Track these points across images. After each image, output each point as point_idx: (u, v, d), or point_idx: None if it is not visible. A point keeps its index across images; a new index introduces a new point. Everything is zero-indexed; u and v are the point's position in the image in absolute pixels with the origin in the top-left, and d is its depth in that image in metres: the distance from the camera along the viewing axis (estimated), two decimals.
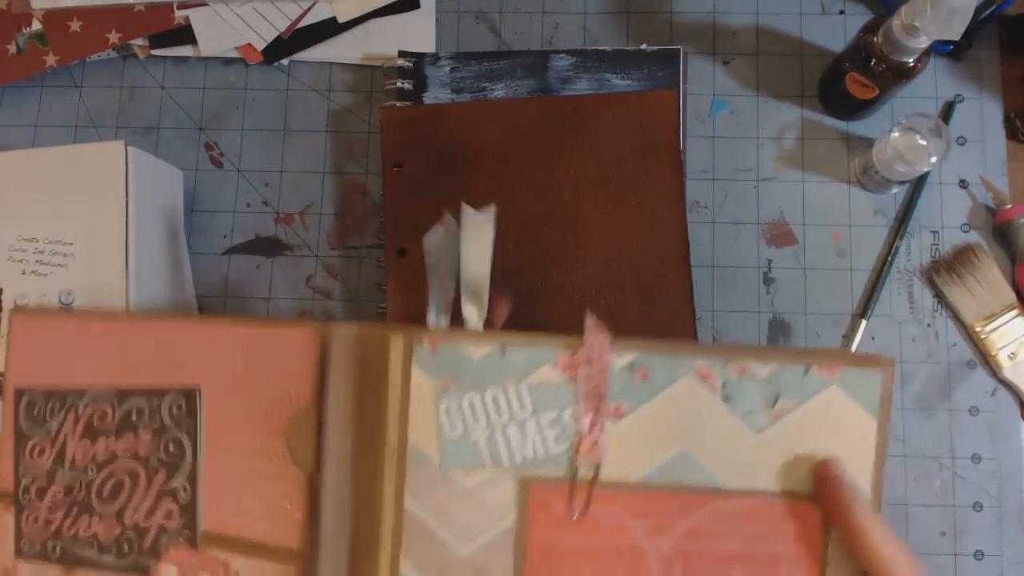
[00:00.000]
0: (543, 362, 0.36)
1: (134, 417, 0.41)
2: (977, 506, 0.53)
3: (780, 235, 0.57)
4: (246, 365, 0.39)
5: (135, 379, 0.42)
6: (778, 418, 0.36)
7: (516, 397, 0.36)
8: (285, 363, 0.39)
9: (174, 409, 0.40)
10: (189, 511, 0.40)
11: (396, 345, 0.36)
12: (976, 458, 0.54)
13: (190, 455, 0.40)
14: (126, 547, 0.41)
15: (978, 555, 0.53)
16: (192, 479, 0.40)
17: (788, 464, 0.36)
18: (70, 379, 0.43)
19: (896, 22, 0.48)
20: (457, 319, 0.39)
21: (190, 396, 0.40)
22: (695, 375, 0.36)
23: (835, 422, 0.36)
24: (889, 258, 0.56)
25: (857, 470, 0.36)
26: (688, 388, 0.36)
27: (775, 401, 0.36)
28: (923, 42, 0.47)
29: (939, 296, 0.56)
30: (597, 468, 0.36)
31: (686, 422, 0.36)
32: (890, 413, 0.36)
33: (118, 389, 0.42)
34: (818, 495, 0.35)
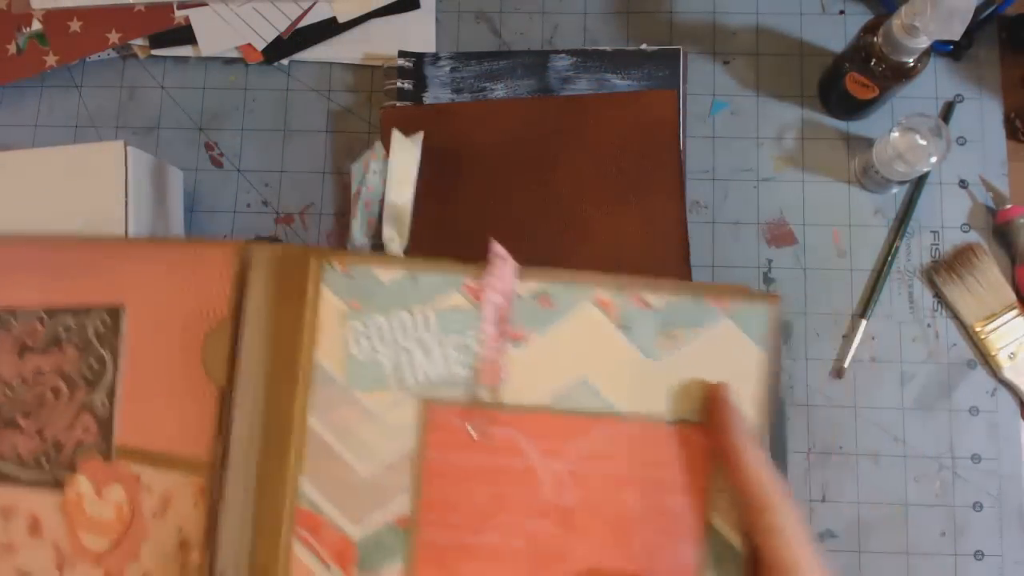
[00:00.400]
0: (451, 287, 0.37)
1: (62, 334, 0.42)
2: (977, 506, 0.53)
3: (780, 235, 0.57)
4: (168, 283, 0.40)
5: (64, 298, 0.42)
6: (672, 347, 0.37)
7: (423, 320, 0.37)
8: (205, 281, 0.39)
9: (100, 326, 0.41)
10: (105, 425, 0.40)
11: (311, 267, 0.37)
12: (976, 458, 0.54)
13: (111, 370, 0.41)
14: (44, 461, 0.42)
15: (978, 555, 0.53)
16: (111, 394, 0.41)
17: (680, 392, 0.37)
18: (3, 300, 0.44)
19: (896, 22, 0.48)
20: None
21: (114, 313, 0.41)
22: (595, 303, 0.37)
23: (726, 353, 0.37)
24: (889, 258, 0.56)
25: (745, 400, 0.37)
26: (588, 316, 0.37)
27: (670, 330, 0.37)
28: (923, 42, 0.47)
29: (939, 296, 0.56)
30: (497, 391, 0.37)
31: (585, 349, 0.37)
32: (780, 349, 0.38)
33: (47, 307, 0.42)
34: (704, 416, 0.37)
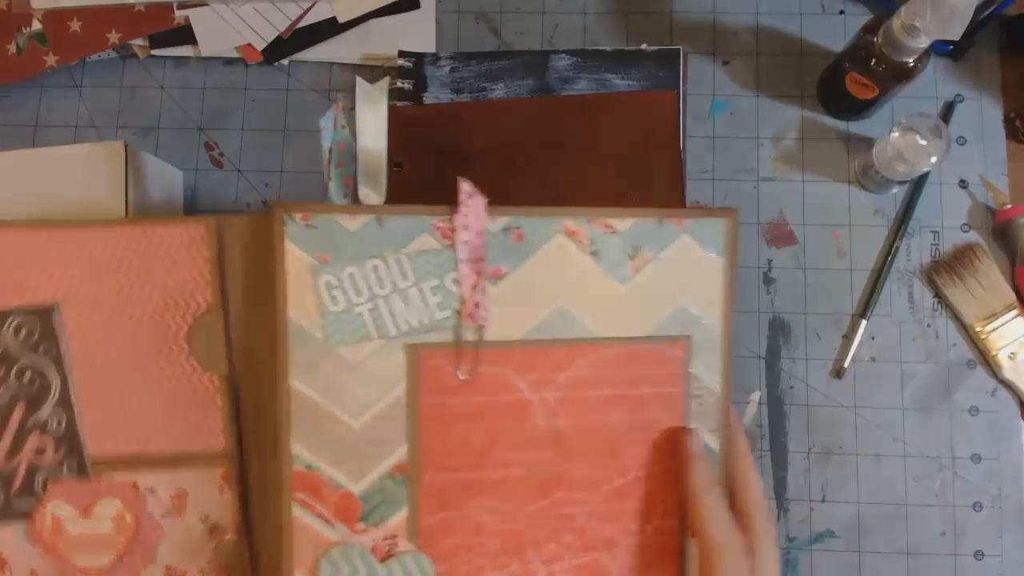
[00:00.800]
0: (421, 230, 0.37)
1: None
2: (977, 506, 0.53)
3: (780, 235, 0.57)
4: (121, 271, 0.37)
5: None
6: (639, 268, 0.39)
7: (397, 266, 0.37)
8: (175, 265, 0.36)
9: (21, 333, 0.36)
10: (69, 440, 0.37)
11: (275, 220, 0.35)
12: (976, 458, 0.54)
13: (56, 381, 0.36)
14: None
15: (978, 555, 0.53)
16: (65, 406, 0.37)
17: (651, 310, 0.39)
18: None
19: (896, 22, 0.48)
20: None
21: (44, 315, 0.36)
22: (565, 234, 0.38)
23: (688, 268, 0.39)
24: (889, 258, 0.56)
25: (708, 310, 0.39)
26: (560, 246, 0.38)
27: (636, 253, 0.39)
28: (923, 42, 0.47)
29: (939, 296, 0.56)
30: (481, 330, 0.37)
31: (560, 279, 0.38)
32: (736, 260, 0.39)
33: None
34: (674, 461, 0.39)
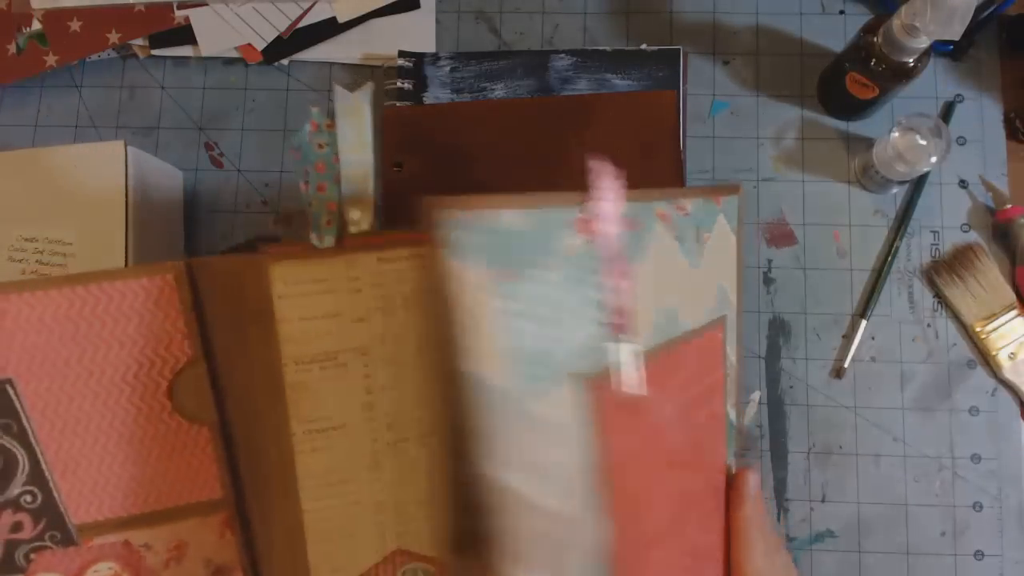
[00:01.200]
0: (562, 227, 0.28)
1: None
2: (977, 506, 0.53)
3: (780, 235, 0.57)
4: (80, 334, 0.34)
5: None
6: (702, 251, 0.36)
7: (556, 277, 0.28)
8: (143, 320, 0.33)
9: None
10: (48, 512, 0.35)
11: (432, 225, 0.26)
12: (976, 458, 0.54)
13: (24, 457, 0.34)
14: None
15: (978, 555, 0.53)
16: (37, 481, 0.35)
17: (708, 292, 0.36)
18: None
19: (896, 22, 0.47)
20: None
21: None
22: (658, 218, 0.33)
23: (723, 246, 0.38)
24: (889, 258, 0.56)
25: (731, 286, 0.39)
26: (658, 234, 0.32)
27: (701, 234, 0.36)
28: (923, 42, 0.47)
29: (939, 296, 0.56)
30: (636, 341, 0.30)
31: (661, 270, 0.32)
32: (742, 231, 0.40)
33: None
34: (730, 496, 0.39)
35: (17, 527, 0.35)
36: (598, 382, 0.28)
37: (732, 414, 0.39)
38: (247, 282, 0.32)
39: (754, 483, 0.39)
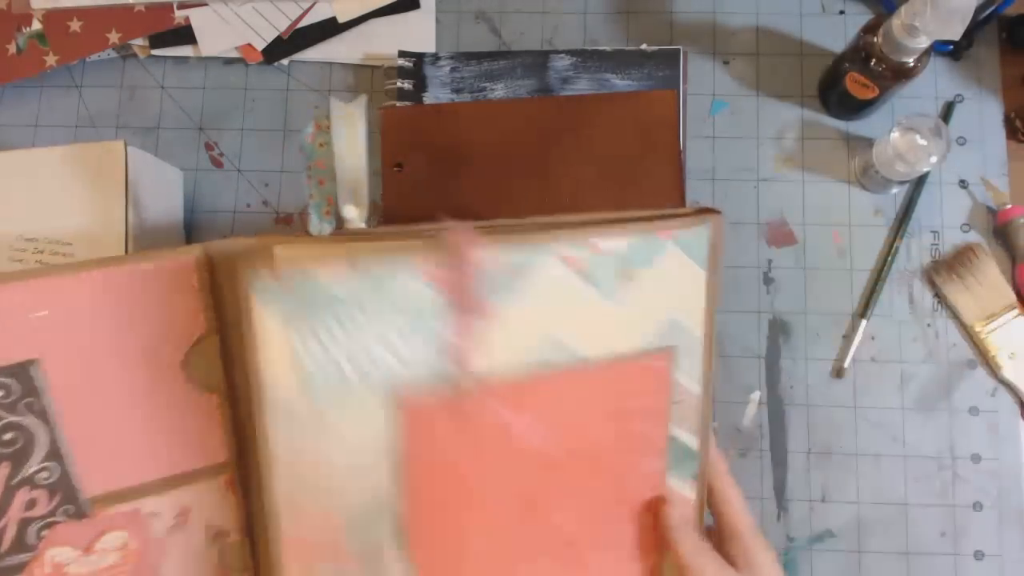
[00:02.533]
0: (408, 277, 0.33)
1: None
2: (977, 506, 0.53)
3: (780, 235, 0.57)
4: (105, 316, 0.35)
5: None
6: (628, 285, 0.37)
7: (379, 316, 0.33)
8: (164, 300, 0.35)
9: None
10: (63, 487, 0.36)
11: (240, 279, 0.30)
12: (976, 458, 0.54)
13: (44, 434, 0.36)
14: None
15: (978, 555, 0.53)
16: (56, 457, 0.36)
17: (639, 325, 0.38)
18: None
19: (896, 22, 0.48)
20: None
21: (21, 373, 0.35)
22: (558, 260, 0.36)
23: (674, 279, 0.38)
24: (889, 258, 0.56)
25: (693, 318, 0.39)
26: (552, 275, 0.36)
27: (626, 270, 0.37)
28: (923, 42, 0.47)
29: (939, 296, 0.56)
30: (469, 371, 0.35)
31: (551, 307, 0.36)
32: (721, 263, 0.39)
33: None
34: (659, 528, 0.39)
35: (31, 504, 0.36)
36: (412, 401, 0.33)
37: (690, 440, 0.40)
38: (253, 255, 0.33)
39: (675, 516, 0.39)
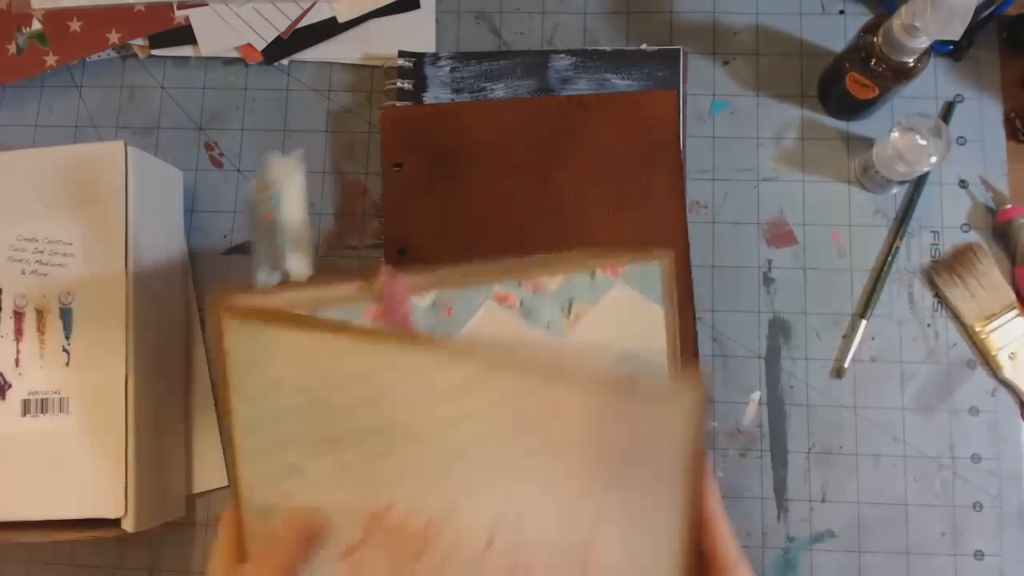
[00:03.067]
0: (354, 318, 0.36)
1: None
2: (977, 506, 0.53)
3: (780, 235, 0.57)
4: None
5: None
6: (576, 323, 0.38)
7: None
8: None
9: None
10: None
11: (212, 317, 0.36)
12: (976, 458, 0.54)
13: None
14: None
15: (978, 555, 0.53)
16: None
17: (593, 360, 0.37)
18: None
19: (896, 22, 0.48)
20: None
21: None
22: (495, 300, 0.37)
23: (626, 315, 0.38)
24: (889, 258, 0.56)
25: (651, 354, 0.39)
26: (491, 314, 0.37)
27: (570, 308, 0.38)
28: (923, 42, 0.47)
29: (939, 296, 0.56)
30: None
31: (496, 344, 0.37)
32: (674, 300, 0.39)
33: None
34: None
35: None
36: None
37: None
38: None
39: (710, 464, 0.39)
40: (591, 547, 0.36)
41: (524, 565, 0.36)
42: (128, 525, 0.48)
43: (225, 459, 0.39)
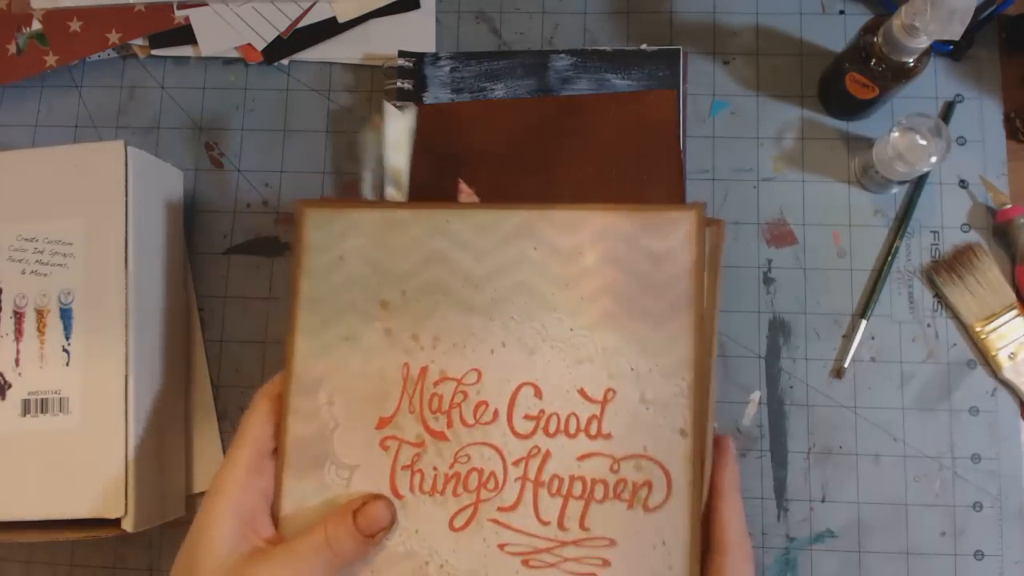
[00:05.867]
0: None
1: None
2: (977, 506, 0.53)
3: (780, 235, 0.57)
4: None
5: None
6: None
7: None
8: None
9: None
10: None
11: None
12: (976, 458, 0.54)
13: None
14: None
15: (978, 555, 0.53)
16: None
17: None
18: None
19: (896, 22, 0.48)
20: None
21: None
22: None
23: None
24: (889, 258, 0.56)
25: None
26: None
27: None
28: (923, 42, 0.47)
29: (939, 296, 0.56)
30: None
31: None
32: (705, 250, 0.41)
33: None
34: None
35: None
36: None
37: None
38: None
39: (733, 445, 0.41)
40: (608, 396, 0.40)
41: (548, 416, 0.40)
42: (128, 525, 0.48)
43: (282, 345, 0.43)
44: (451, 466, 0.40)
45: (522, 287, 0.41)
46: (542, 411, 0.40)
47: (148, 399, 0.51)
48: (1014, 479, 0.54)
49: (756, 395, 0.55)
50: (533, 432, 0.40)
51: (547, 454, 0.39)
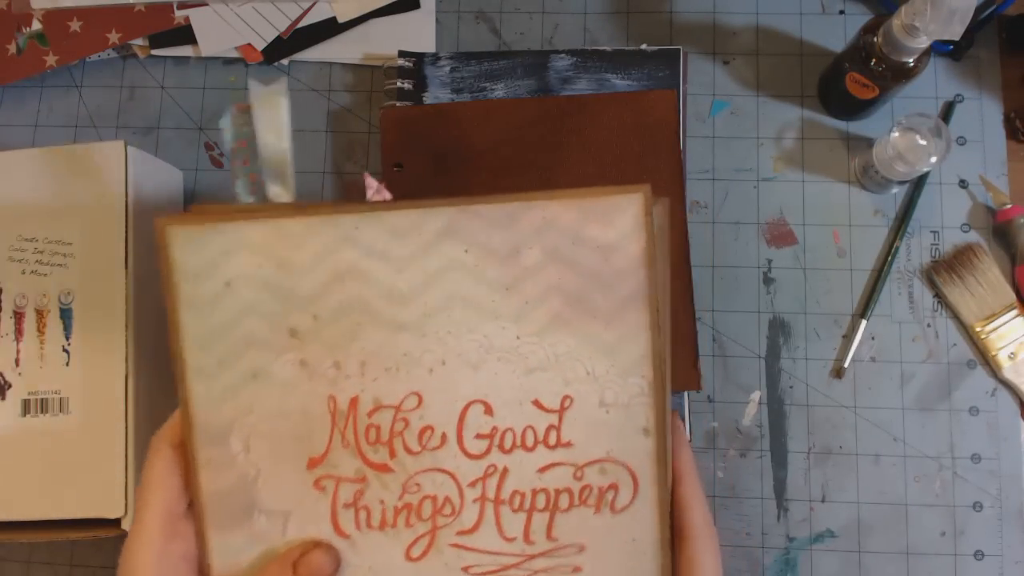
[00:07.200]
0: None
1: None
2: (977, 506, 0.53)
3: (780, 235, 0.57)
4: None
5: None
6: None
7: None
8: None
9: None
10: None
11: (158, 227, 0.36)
12: (976, 458, 0.54)
13: None
14: None
15: (978, 555, 0.53)
16: None
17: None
18: None
19: (896, 22, 0.48)
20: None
21: None
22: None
23: None
24: (889, 258, 0.56)
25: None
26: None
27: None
28: (923, 42, 0.47)
29: (939, 296, 0.56)
30: None
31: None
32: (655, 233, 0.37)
33: None
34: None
35: None
36: None
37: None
38: None
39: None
40: (565, 403, 0.37)
41: (502, 432, 0.37)
42: (128, 525, 0.48)
43: (175, 389, 0.38)
44: (400, 497, 0.37)
45: (456, 296, 0.36)
46: (495, 428, 0.37)
47: (148, 399, 0.51)
48: (1014, 479, 0.54)
49: (756, 395, 0.55)
50: (487, 451, 0.37)
51: (505, 471, 0.37)
